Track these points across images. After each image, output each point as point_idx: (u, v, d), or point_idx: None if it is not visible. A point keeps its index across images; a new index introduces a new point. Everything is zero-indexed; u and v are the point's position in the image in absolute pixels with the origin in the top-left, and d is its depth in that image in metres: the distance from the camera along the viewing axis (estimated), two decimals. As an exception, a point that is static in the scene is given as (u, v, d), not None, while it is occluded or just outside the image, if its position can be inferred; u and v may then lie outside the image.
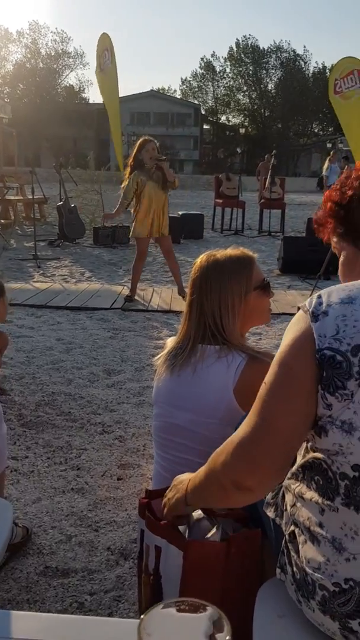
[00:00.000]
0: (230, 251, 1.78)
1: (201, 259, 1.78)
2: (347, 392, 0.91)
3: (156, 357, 1.87)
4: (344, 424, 0.93)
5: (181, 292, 5.70)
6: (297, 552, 1.09)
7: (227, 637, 0.57)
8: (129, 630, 0.85)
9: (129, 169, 5.24)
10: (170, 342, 1.86)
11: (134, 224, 5.37)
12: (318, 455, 1.01)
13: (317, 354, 0.92)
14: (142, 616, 0.59)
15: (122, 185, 5.31)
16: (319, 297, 0.98)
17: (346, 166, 13.03)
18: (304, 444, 1.07)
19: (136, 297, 5.60)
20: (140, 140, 5.24)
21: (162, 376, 1.81)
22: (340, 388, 0.91)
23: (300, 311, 1.00)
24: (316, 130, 56.17)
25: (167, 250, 5.59)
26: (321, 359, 0.92)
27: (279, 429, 0.97)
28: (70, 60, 51.37)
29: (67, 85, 52.66)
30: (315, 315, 0.95)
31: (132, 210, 5.41)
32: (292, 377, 0.97)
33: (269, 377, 1.00)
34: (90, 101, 51.24)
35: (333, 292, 0.98)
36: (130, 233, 5.54)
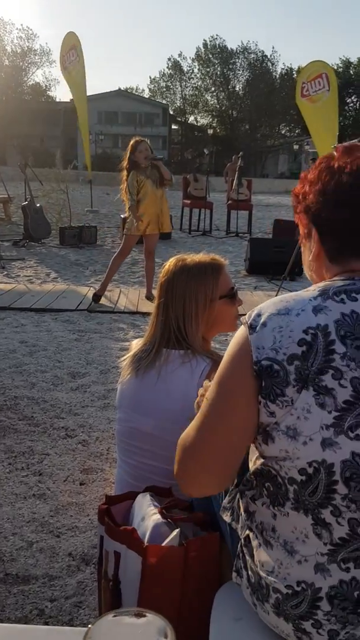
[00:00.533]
0: (200, 257, 1.80)
1: (170, 262, 1.79)
2: (287, 399, 0.95)
3: (121, 359, 1.87)
4: (289, 429, 0.96)
5: (149, 295, 5.69)
6: (252, 556, 1.11)
7: (170, 642, 0.58)
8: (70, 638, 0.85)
9: (125, 172, 5.20)
10: (135, 344, 1.85)
11: (129, 220, 5.37)
12: (267, 462, 1.03)
13: (255, 365, 0.96)
14: (89, 625, 0.59)
15: (121, 187, 5.28)
16: (259, 309, 1.02)
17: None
18: (255, 452, 1.09)
19: (103, 298, 5.56)
20: (132, 141, 5.23)
21: (126, 379, 1.80)
22: (280, 395, 0.95)
23: (241, 325, 1.04)
24: (283, 132, 56.79)
25: (150, 250, 5.61)
26: (259, 370, 0.96)
27: (217, 443, 1.04)
28: (37, 57, 50.72)
29: (34, 83, 52.02)
30: (252, 327, 0.99)
31: (126, 208, 5.41)
32: (228, 395, 1.02)
33: (209, 393, 1.06)
34: (58, 99, 50.73)
35: (271, 304, 1.01)
36: (125, 230, 5.53)
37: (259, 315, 1.00)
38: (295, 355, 0.94)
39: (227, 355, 1.04)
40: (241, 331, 1.02)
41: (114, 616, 0.61)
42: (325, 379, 0.93)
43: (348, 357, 0.93)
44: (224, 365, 1.04)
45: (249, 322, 1.01)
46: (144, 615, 0.60)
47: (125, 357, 1.84)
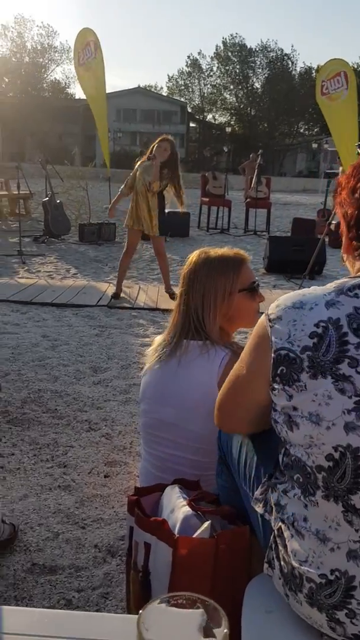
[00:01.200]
0: (224, 250, 1.83)
1: (194, 254, 1.82)
2: (301, 384, 1.04)
3: (147, 351, 1.90)
4: (311, 415, 1.02)
5: (168, 290, 5.71)
6: (285, 546, 1.11)
7: (225, 631, 0.58)
8: (120, 625, 0.86)
9: (144, 159, 5.21)
10: (158, 338, 1.88)
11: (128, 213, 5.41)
12: (295, 452, 1.07)
13: (274, 353, 1.07)
14: (140, 611, 0.59)
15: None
16: (278, 302, 1.11)
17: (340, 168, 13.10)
18: (283, 446, 1.13)
19: (122, 295, 5.59)
20: (161, 136, 5.24)
21: (148, 371, 1.84)
22: (297, 381, 1.04)
23: (263, 316, 1.13)
24: (302, 130, 56.44)
25: (157, 250, 5.60)
26: (277, 357, 1.07)
27: (242, 397, 1.23)
28: (57, 54, 50.98)
29: (53, 80, 52.29)
30: (271, 320, 1.10)
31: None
32: (250, 372, 1.18)
33: (236, 366, 1.24)
34: (77, 97, 50.91)
35: (289, 298, 1.10)
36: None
37: (277, 307, 1.10)
38: (307, 346, 1.03)
39: (251, 340, 1.17)
40: (262, 322, 1.13)
41: (166, 601, 0.61)
42: (342, 368, 1.00)
43: None
44: (249, 349, 1.18)
45: (268, 314, 1.11)
46: (199, 602, 0.61)
47: (149, 350, 1.87)
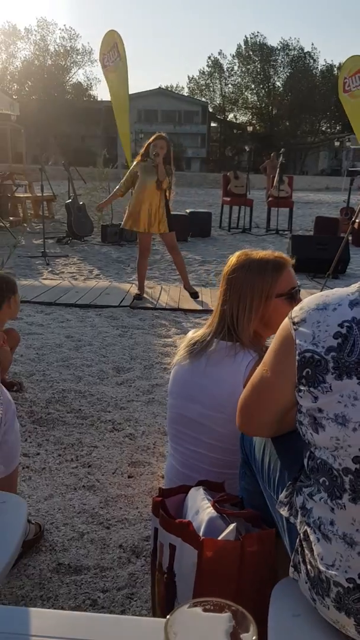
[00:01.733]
0: (265, 253, 1.79)
1: (235, 254, 1.81)
2: (326, 385, 1.03)
3: (179, 343, 1.90)
4: (337, 417, 1.01)
5: (187, 287, 5.70)
6: (311, 550, 1.10)
7: (254, 638, 0.58)
8: (148, 629, 0.86)
9: (138, 158, 5.29)
10: (191, 333, 1.88)
11: (125, 214, 5.44)
12: (321, 455, 1.07)
13: (298, 356, 1.07)
14: (168, 616, 0.59)
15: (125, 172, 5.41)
16: (301, 305, 1.11)
17: None
18: (308, 449, 1.12)
19: (145, 295, 5.61)
20: (155, 134, 5.28)
21: (177, 365, 1.84)
22: (322, 382, 1.03)
23: (286, 319, 1.13)
24: (324, 129, 55.95)
25: (170, 246, 5.59)
26: (302, 360, 1.06)
27: (267, 398, 1.21)
28: (79, 57, 51.41)
29: (76, 82, 52.69)
30: (295, 323, 1.09)
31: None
32: (277, 373, 1.16)
33: (260, 367, 1.22)
34: (99, 99, 51.24)
35: (313, 300, 1.10)
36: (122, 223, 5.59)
37: (301, 310, 1.10)
38: (332, 347, 1.02)
39: (275, 343, 1.16)
40: (286, 325, 1.12)
41: (193, 606, 0.61)
42: None
43: None
44: (273, 352, 1.17)
45: (292, 317, 1.11)
46: (227, 607, 0.60)
47: (182, 343, 1.87)
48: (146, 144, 5.23)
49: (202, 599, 0.62)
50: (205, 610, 0.61)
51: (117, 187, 5.54)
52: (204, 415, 1.75)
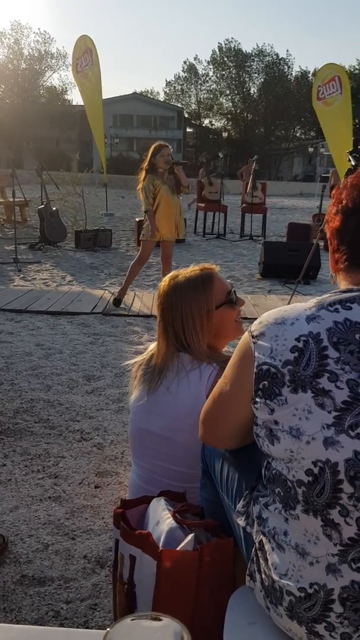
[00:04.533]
0: (191, 270, 1.80)
1: (164, 282, 1.81)
2: (282, 398, 1.05)
3: (132, 361, 1.90)
4: (292, 429, 1.03)
5: None
6: (266, 559, 1.13)
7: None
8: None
9: (143, 173, 5.26)
10: (153, 346, 1.88)
11: (145, 226, 5.38)
12: (276, 466, 1.09)
13: (256, 369, 1.09)
14: (107, 629, 0.61)
15: (138, 188, 5.32)
16: (260, 319, 1.14)
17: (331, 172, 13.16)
18: (265, 460, 1.14)
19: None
20: (155, 144, 5.30)
21: (137, 382, 1.85)
22: (278, 395, 1.05)
23: (246, 333, 1.16)
24: (298, 135, 56.58)
25: (166, 255, 5.63)
26: (259, 372, 1.09)
27: (227, 411, 1.24)
28: (53, 61, 51.05)
29: (50, 86, 52.34)
30: (254, 336, 1.12)
31: (142, 209, 5.44)
32: (235, 386, 1.19)
33: (221, 381, 1.26)
34: (74, 103, 50.98)
35: (271, 315, 1.12)
36: (141, 236, 5.50)
37: (260, 324, 1.13)
38: (288, 360, 1.05)
39: (234, 357, 1.19)
40: (245, 339, 1.15)
41: (132, 620, 0.63)
42: (322, 382, 1.01)
43: (342, 361, 1.01)
44: (232, 365, 1.20)
45: (251, 331, 1.14)
46: (161, 619, 0.62)
47: (135, 361, 1.87)
48: (149, 156, 5.20)
49: (141, 613, 0.64)
50: (144, 621, 0.63)
51: (146, 207, 5.27)
52: (166, 429, 1.75)
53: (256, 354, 1.10)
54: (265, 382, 1.07)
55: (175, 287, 1.76)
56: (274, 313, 1.13)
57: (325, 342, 1.02)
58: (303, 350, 1.03)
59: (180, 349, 1.76)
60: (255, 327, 1.13)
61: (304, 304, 1.11)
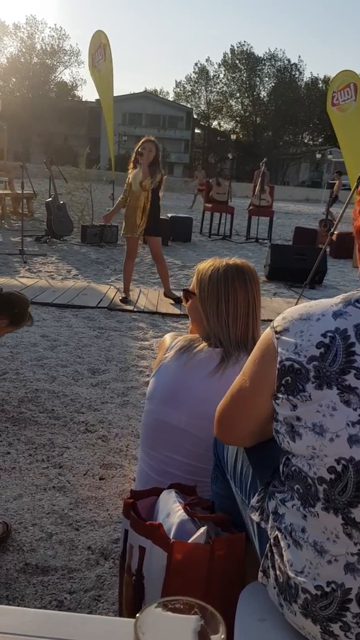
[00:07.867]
0: (234, 261, 1.80)
1: (205, 266, 1.79)
2: (306, 394, 1.03)
3: (160, 344, 1.88)
4: (315, 426, 1.01)
5: (168, 294, 5.71)
6: (281, 556, 1.11)
7: (222, 637, 0.58)
8: (114, 628, 0.86)
9: (131, 165, 5.30)
10: (169, 337, 1.85)
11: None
12: (297, 463, 1.06)
13: (279, 364, 1.07)
14: (137, 614, 0.59)
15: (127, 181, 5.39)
16: (284, 314, 1.12)
17: (337, 180, 13.16)
18: (284, 455, 1.12)
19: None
20: (144, 138, 5.31)
21: (161, 369, 1.79)
22: (302, 391, 1.03)
23: (268, 329, 1.14)
24: (306, 140, 56.63)
25: (154, 253, 5.61)
26: (282, 368, 1.06)
27: (244, 410, 1.22)
28: (66, 57, 51.14)
29: (61, 81, 52.39)
30: (278, 332, 1.10)
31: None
32: (255, 383, 1.16)
33: (240, 376, 1.22)
34: (83, 99, 51.06)
35: (296, 310, 1.11)
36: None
37: (283, 319, 1.10)
38: (314, 356, 1.02)
39: (255, 353, 1.16)
40: (267, 334, 1.13)
41: (163, 605, 0.61)
42: (348, 379, 0.99)
43: None
44: (253, 361, 1.17)
45: (274, 327, 1.11)
46: (196, 607, 0.60)
47: (162, 344, 1.84)
48: (136, 148, 5.24)
49: (171, 598, 0.62)
50: (174, 610, 0.61)
51: (120, 197, 5.50)
52: (190, 424, 1.70)
53: (279, 349, 1.07)
54: (289, 378, 1.05)
55: (218, 273, 1.76)
56: (299, 309, 1.10)
57: (353, 338, 1.01)
58: (329, 346, 1.01)
59: (214, 338, 1.74)
60: (278, 322, 1.11)
61: (330, 300, 1.09)
